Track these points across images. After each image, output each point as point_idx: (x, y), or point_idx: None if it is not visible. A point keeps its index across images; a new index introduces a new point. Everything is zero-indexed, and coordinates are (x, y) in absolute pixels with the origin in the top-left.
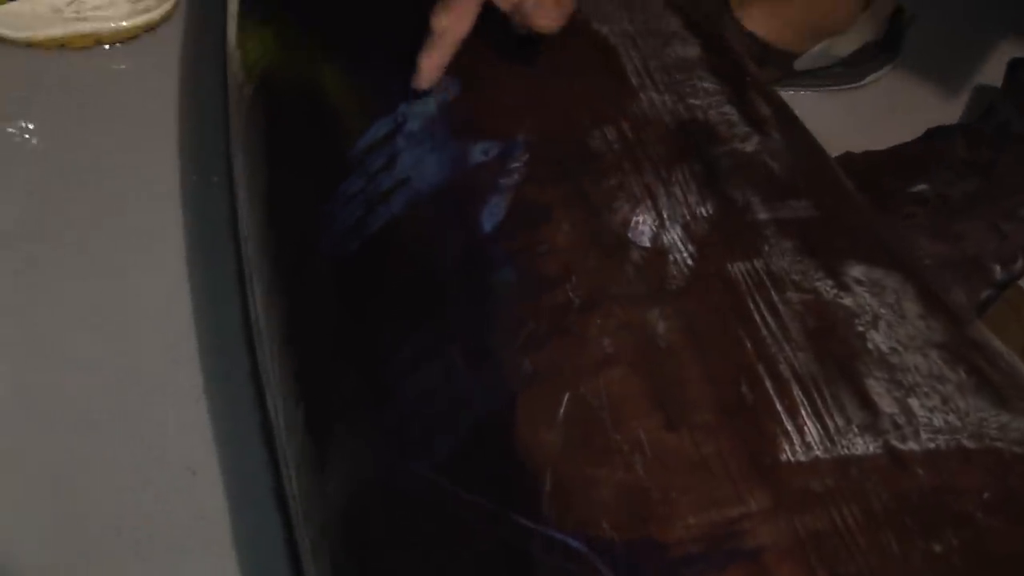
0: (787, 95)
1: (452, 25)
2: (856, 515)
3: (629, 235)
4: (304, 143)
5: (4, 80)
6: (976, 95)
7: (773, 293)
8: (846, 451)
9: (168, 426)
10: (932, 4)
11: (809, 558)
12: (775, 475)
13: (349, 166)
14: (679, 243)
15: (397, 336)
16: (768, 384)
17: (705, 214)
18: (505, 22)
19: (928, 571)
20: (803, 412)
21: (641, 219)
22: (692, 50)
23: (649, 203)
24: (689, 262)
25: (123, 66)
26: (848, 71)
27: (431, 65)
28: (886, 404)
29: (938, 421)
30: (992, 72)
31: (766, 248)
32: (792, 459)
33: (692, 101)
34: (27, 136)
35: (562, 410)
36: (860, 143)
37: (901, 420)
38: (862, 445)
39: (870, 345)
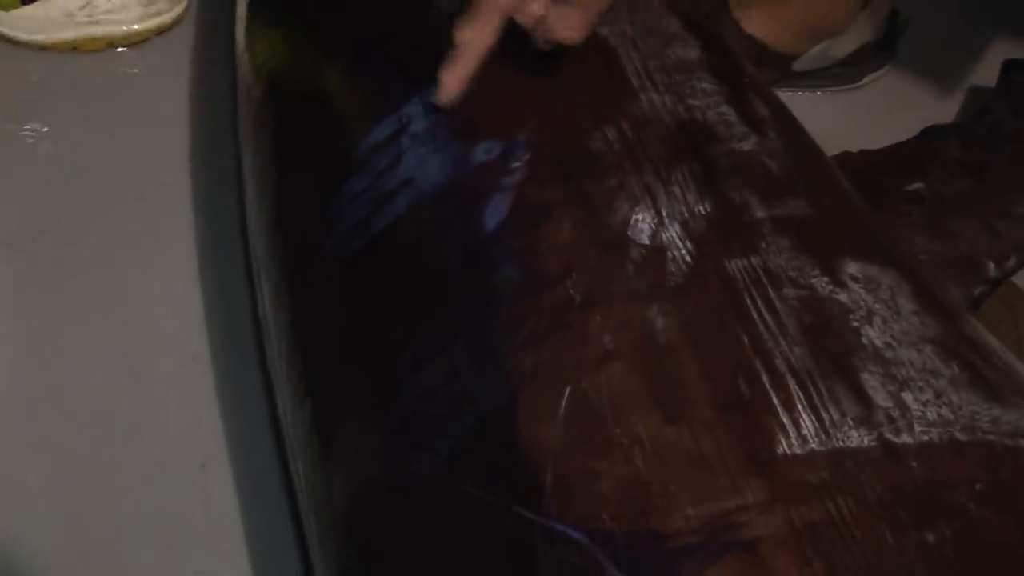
0: (785, 96)
1: (475, 38)
2: (851, 507)
3: (629, 233)
4: (311, 143)
5: (18, 82)
6: (970, 95)
7: (770, 290)
8: (841, 444)
9: (179, 422)
10: (927, 6)
11: (805, 549)
12: (772, 468)
13: (354, 166)
14: (678, 241)
15: (401, 333)
16: (765, 379)
17: (703, 212)
18: (522, 36)
19: (922, 562)
20: (799, 406)
21: (641, 217)
22: (691, 51)
23: (649, 202)
24: (688, 259)
25: (135, 69)
26: (846, 72)
27: (454, 78)
28: (880, 398)
29: (931, 414)
30: (986, 73)
31: (763, 246)
32: (788, 452)
33: (691, 102)
34: (40, 137)
35: (563, 405)
36: (858, 143)
37: (895, 413)
38: (857, 438)
39: (865, 340)
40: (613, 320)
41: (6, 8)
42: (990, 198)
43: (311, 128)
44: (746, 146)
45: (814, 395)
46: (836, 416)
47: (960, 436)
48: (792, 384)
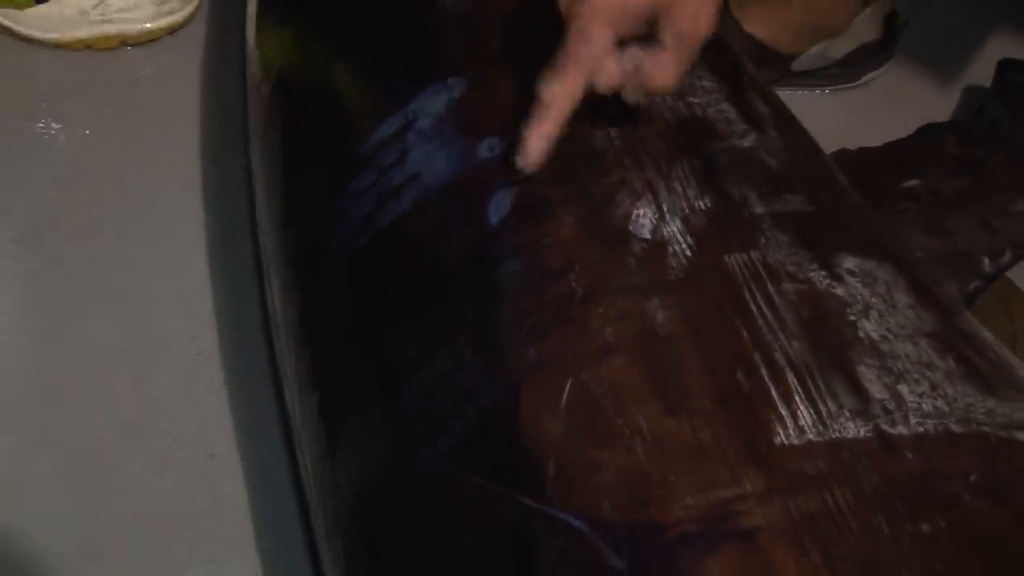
0: (785, 95)
1: (563, 93)
2: (847, 497)
3: (630, 228)
4: (319, 139)
5: (32, 80)
6: (967, 95)
7: (769, 284)
8: (838, 435)
9: (189, 416)
10: (926, 6)
11: (802, 539)
12: (770, 459)
13: (361, 162)
14: (678, 236)
15: (406, 327)
16: (763, 371)
17: (704, 208)
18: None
19: (917, 552)
20: (797, 398)
21: (642, 212)
22: None
23: (650, 197)
24: (688, 254)
25: (147, 67)
26: (845, 71)
27: (539, 137)
28: (877, 390)
29: (927, 406)
30: (983, 72)
31: (762, 241)
32: (786, 443)
33: (691, 99)
34: (54, 134)
35: (565, 397)
36: (856, 141)
37: (891, 405)
38: (853, 429)
39: (862, 334)
40: (614, 313)
41: (20, 7)
42: (987, 196)
43: (319, 125)
44: (746, 143)
45: (811, 387)
46: (833, 408)
47: (955, 428)
48: (790, 376)
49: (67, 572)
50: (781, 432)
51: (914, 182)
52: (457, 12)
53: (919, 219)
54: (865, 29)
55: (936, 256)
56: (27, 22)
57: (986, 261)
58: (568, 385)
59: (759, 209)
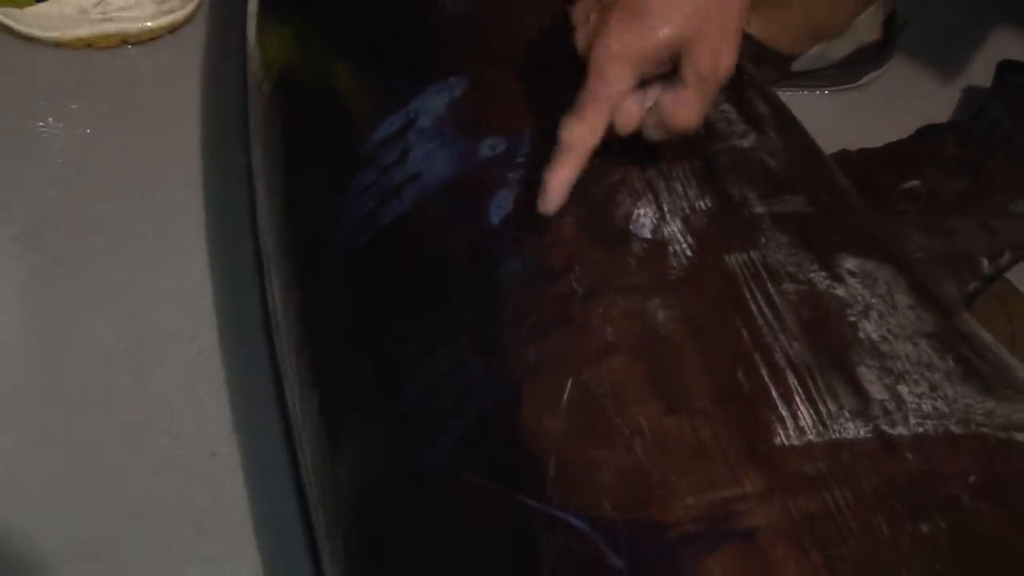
0: (785, 95)
1: (584, 136)
2: (847, 498)
3: (631, 228)
4: (320, 138)
5: (33, 78)
6: (967, 95)
7: (769, 284)
8: (838, 436)
9: (190, 415)
10: (925, 7)
11: (802, 539)
12: (770, 459)
13: (362, 160)
14: (679, 235)
15: (407, 326)
16: (764, 372)
17: (704, 208)
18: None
19: (917, 553)
20: (797, 398)
21: (642, 212)
22: None
23: (650, 197)
24: (688, 254)
25: (147, 65)
26: (844, 72)
27: (560, 179)
28: (876, 391)
29: (926, 407)
30: (983, 73)
31: (763, 241)
32: (786, 443)
33: None
34: (54, 133)
35: (566, 397)
36: (856, 142)
37: (891, 406)
38: (853, 430)
39: (861, 334)
40: (615, 313)
41: (20, 5)
42: (987, 197)
43: (320, 124)
44: (746, 143)
45: (812, 388)
46: (833, 408)
47: (954, 429)
48: (790, 376)
49: (67, 572)
50: (781, 432)
51: (914, 183)
52: (458, 11)
53: (919, 220)
54: (865, 30)
55: (936, 257)
56: (27, 20)
57: (985, 262)
58: (569, 385)
59: (759, 209)
